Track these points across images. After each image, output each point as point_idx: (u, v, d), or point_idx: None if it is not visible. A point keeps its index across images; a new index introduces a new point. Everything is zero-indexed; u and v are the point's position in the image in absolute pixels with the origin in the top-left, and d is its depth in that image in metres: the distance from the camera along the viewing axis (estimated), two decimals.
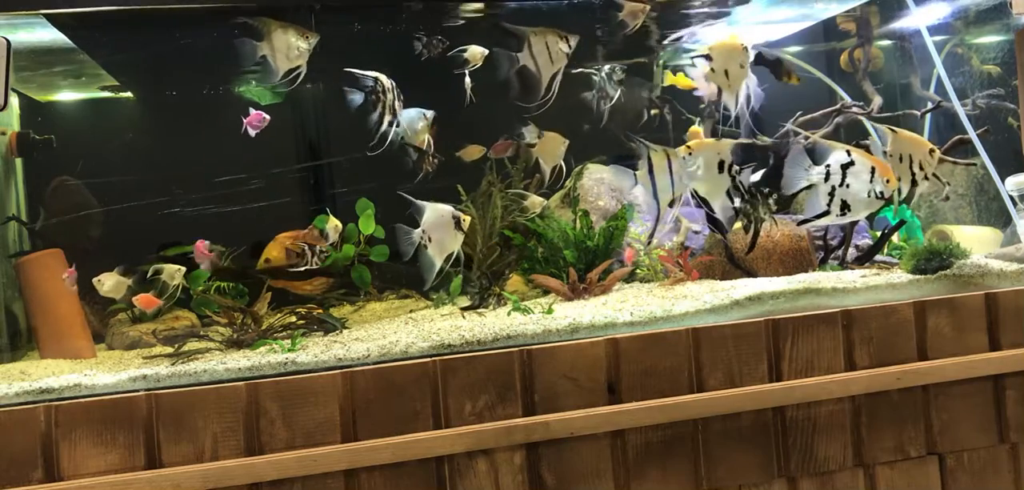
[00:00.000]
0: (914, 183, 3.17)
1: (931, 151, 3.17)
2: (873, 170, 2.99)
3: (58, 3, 3.20)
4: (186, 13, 3.38)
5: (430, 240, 3.01)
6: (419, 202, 3.03)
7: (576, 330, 2.88)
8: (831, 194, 3.02)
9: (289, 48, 3.07)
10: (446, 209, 3.06)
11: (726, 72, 3.15)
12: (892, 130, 3.19)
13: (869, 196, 3.01)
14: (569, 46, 3.25)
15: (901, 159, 3.16)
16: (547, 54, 3.21)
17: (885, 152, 3.15)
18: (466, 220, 3.09)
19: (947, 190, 3.31)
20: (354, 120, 3.32)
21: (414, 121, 3.47)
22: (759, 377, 2.79)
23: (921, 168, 3.15)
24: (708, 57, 3.16)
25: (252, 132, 3.32)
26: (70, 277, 3.22)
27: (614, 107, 3.94)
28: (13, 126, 3.83)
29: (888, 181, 3.01)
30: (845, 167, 3.01)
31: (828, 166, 3.02)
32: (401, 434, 2.56)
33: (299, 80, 3.14)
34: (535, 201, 3.81)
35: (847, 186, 3.01)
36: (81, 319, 3.43)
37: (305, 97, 4.15)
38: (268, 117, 3.36)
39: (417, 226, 3.02)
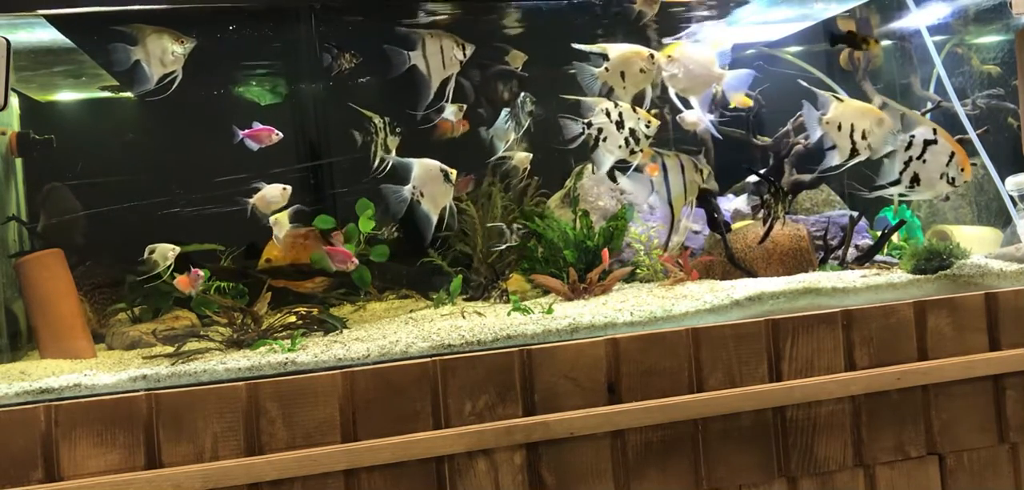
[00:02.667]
0: (854, 153, 3.16)
1: (880, 121, 3.16)
2: (952, 154, 2.99)
3: (58, 3, 3.20)
4: (186, 13, 3.38)
5: (423, 195, 3.05)
6: (406, 160, 3.07)
7: (576, 330, 2.88)
8: (907, 164, 3.03)
9: (164, 53, 3.06)
10: (434, 163, 3.10)
11: (622, 75, 3.21)
12: (837, 97, 3.18)
13: (941, 178, 3.01)
14: (464, 54, 3.28)
15: (840, 127, 3.16)
16: (440, 58, 3.22)
17: (822, 117, 3.15)
18: (453, 173, 3.12)
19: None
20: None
21: (501, 126, 3.51)
22: (759, 377, 2.79)
23: (865, 137, 3.15)
24: (605, 57, 3.22)
25: (255, 147, 3.31)
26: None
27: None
28: (13, 126, 3.83)
29: (963, 169, 3.02)
30: (927, 143, 3.01)
31: (912, 136, 3.02)
32: (401, 434, 2.56)
33: (174, 85, 3.12)
34: (521, 157, 3.85)
35: (924, 161, 3.01)
36: (81, 319, 3.43)
37: (305, 97, 4.15)
38: (280, 134, 3.34)
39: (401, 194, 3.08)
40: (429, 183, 3.07)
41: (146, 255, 3.22)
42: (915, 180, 3.04)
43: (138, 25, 3.07)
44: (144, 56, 3.05)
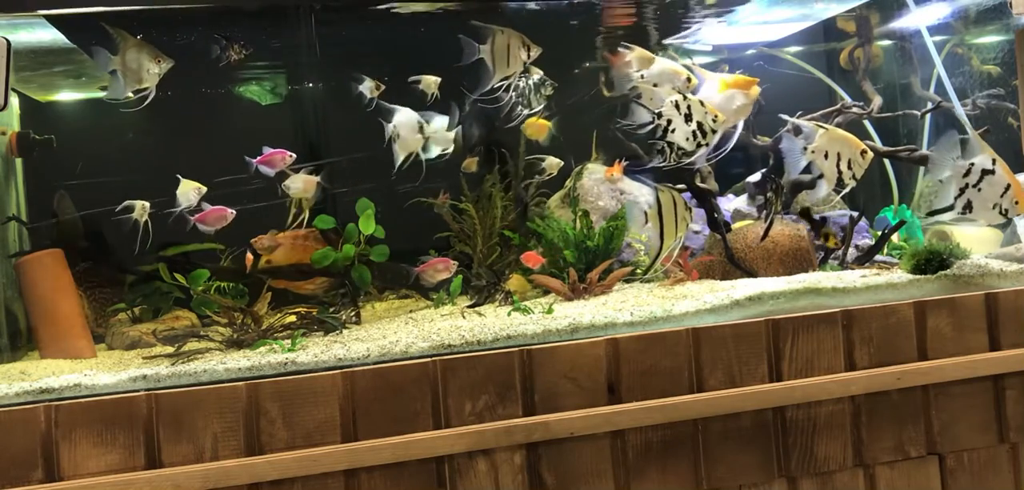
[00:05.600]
0: (840, 183, 3.18)
1: (863, 152, 3.18)
2: (1008, 187, 3.01)
3: (58, 3, 3.20)
4: (186, 13, 3.38)
5: (399, 137, 3.39)
6: (391, 106, 3.44)
7: (576, 330, 2.88)
8: (962, 191, 3.04)
9: (140, 68, 3.06)
10: (414, 114, 3.44)
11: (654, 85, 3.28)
12: (823, 127, 3.21)
13: (994, 208, 3.02)
14: (528, 55, 3.34)
15: (827, 156, 3.18)
16: (506, 55, 3.27)
17: (805, 147, 3.18)
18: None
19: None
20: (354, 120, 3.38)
21: (441, 127, 3.56)
22: (759, 377, 2.79)
23: (850, 167, 3.16)
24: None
25: (270, 172, 3.33)
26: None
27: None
28: (13, 126, 3.83)
29: (1018, 203, 3.02)
30: (985, 172, 3.01)
31: (971, 164, 3.03)
32: (401, 434, 2.56)
33: (148, 100, 3.12)
34: (552, 162, 3.92)
35: (980, 189, 3.02)
36: (81, 319, 3.43)
37: (305, 97, 4.15)
38: (292, 155, 3.37)
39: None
40: (404, 128, 3.41)
41: (121, 208, 3.24)
42: (967, 207, 3.05)
43: (122, 33, 3.06)
44: (121, 67, 3.06)
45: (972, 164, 3.02)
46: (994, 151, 3.06)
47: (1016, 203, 3.02)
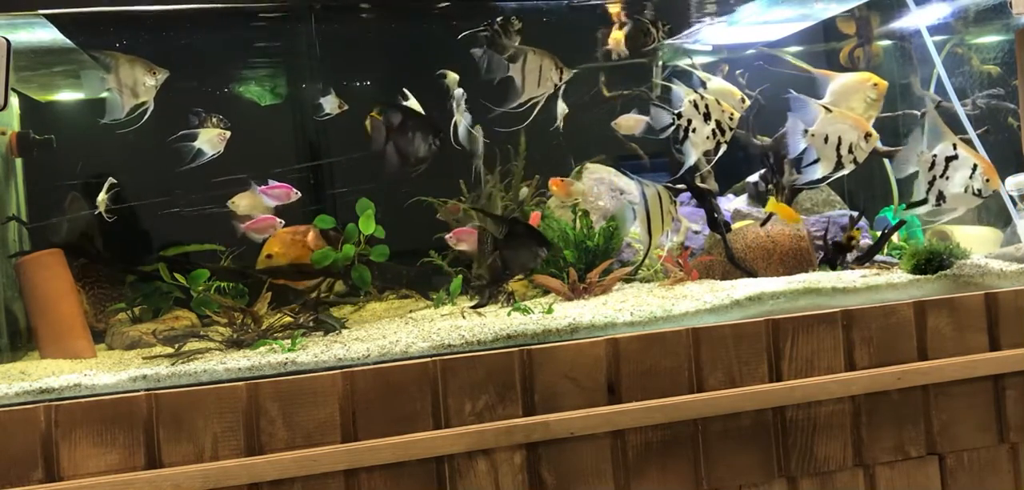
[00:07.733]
0: (839, 166, 3.16)
1: (867, 136, 3.15)
2: (975, 166, 2.99)
3: (58, 3, 3.20)
4: (186, 13, 3.38)
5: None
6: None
7: (576, 330, 2.88)
8: (931, 184, 3.03)
9: (136, 83, 3.04)
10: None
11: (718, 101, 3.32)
12: (826, 108, 3.19)
13: (966, 191, 3.00)
14: (560, 78, 3.31)
15: (827, 140, 3.15)
16: (536, 76, 3.24)
17: (807, 131, 3.16)
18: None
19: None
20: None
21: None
22: (759, 377, 2.79)
23: (851, 151, 3.14)
24: (704, 84, 3.36)
25: (272, 203, 3.33)
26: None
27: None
28: (13, 126, 3.83)
29: (988, 180, 3.00)
30: (949, 160, 3.00)
31: (934, 156, 3.02)
32: (401, 434, 2.56)
33: (146, 116, 3.10)
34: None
35: (948, 178, 3.00)
36: (81, 319, 3.43)
37: (305, 97, 4.15)
38: (298, 193, 3.37)
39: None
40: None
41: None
42: (941, 198, 3.03)
43: (112, 52, 3.05)
44: (116, 85, 3.04)
45: (934, 155, 3.01)
46: (954, 135, 3.05)
47: (988, 180, 3.00)
